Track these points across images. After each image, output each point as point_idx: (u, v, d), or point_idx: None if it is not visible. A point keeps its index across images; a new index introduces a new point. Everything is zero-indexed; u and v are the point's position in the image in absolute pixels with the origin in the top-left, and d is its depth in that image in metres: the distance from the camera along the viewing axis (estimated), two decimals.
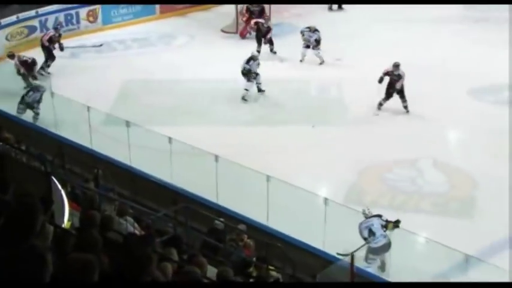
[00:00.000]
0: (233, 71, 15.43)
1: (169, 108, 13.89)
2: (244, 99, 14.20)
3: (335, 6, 20.19)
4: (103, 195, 8.67)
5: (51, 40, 15.76)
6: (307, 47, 16.13)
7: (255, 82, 14.33)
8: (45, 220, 4.27)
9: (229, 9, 19.07)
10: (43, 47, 15.66)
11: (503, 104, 13.58)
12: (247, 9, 18.14)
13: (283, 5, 19.55)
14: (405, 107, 13.38)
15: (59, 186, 6.47)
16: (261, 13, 17.93)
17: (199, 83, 15.15)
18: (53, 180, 6.17)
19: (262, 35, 16.79)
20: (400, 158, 11.64)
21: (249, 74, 14.27)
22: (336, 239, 8.89)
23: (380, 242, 8.80)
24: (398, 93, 13.38)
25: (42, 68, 15.36)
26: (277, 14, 18.89)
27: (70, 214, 6.20)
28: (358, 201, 10.26)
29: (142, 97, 14.55)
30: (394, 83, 13.33)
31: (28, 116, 12.82)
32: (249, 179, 9.95)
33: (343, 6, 20.06)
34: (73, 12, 18.17)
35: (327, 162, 11.54)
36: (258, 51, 16.03)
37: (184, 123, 13.06)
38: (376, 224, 8.85)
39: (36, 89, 13.04)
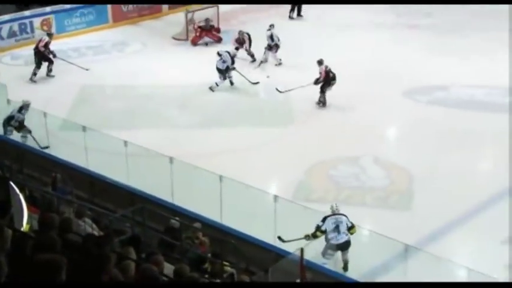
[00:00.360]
0: (184, 76, 15.59)
1: (124, 112, 13.73)
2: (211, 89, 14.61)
3: (295, 14, 20.05)
4: (61, 198, 8.48)
5: (46, 46, 15.44)
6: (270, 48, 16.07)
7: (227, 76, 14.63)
8: (3, 224, 4.12)
9: (179, 17, 19.01)
10: (38, 52, 15.32)
11: (435, 104, 13.87)
12: (199, 27, 18.07)
13: (231, 14, 19.55)
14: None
15: (17, 191, 6.31)
16: (211, 28, 18.08)
17: (153, 88, 15.01)
18: (11, 185, 5.98)
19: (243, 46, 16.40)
20: (344, 155, 11.73)
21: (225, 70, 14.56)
22: (286, 234, 8.88)
23: (342, 239, 8.72)
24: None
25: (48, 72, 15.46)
26: (225, 21, 18.95)
27: (29, 217, 6.05)
28: (306, 197, 10.33)
29: (98, 102, 14.35)
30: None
31: None
32: (203, 179, 9.87)
33: (302, 14, 19.97)
34: (27, 21, 17.81)
35: (276, 162, 11.58)
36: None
37: (139, 126, 12.92)
38: (344, 222, 8.74)
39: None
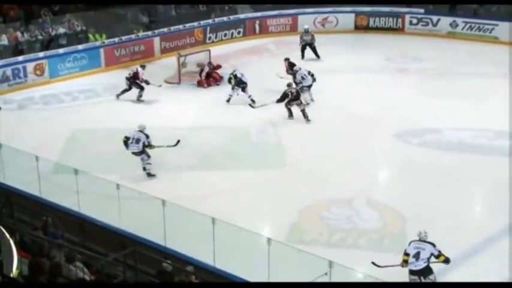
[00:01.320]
0: (175, 119, 15.52)
1: (116, 155, 13.53)
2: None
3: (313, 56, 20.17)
4: (52, 243, 8.30)
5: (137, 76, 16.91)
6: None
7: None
8: None
9: (172, 61, 19.11)
10: (137, 82, 16.81)
11: (426, 146, 13.90)
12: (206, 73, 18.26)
13: (222, 57, 19.69)
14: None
15: (7, 236, 6.16)
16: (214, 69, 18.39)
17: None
18: (1, 230, 5.86)
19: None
20: (336, 197, 11.66)
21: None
22: (279, 277, 8.75)
23: (419, 266, 8.86)
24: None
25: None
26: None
27: (19, 262, 5.90)
28: (300, 240, 10.22)
29: (90, 145, 14.26)
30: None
31: None
32: (195, 222, 9.75)
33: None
34: (20, 66, 17.87)
35: (269, 204, 11.52)
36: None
37: (131, 169, 12.81)
38: (427, 249, 8.85)
39: None
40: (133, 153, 12.83)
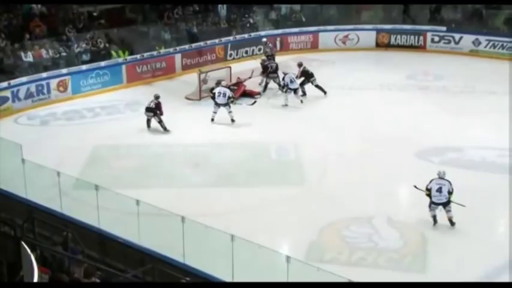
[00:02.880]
0: (196, 136, 15.65)
1: (137, 171, 13.70)
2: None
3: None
4: (72, 258, 8.33)
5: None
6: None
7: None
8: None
9: (192, 78, 19.22)
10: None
11: (448, 165, 13.52)
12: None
13: (243, 74, 19.80)
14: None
15: (29, 251, 6.21)
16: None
17: (165, 147, 15.05)
18: (23, 245, 5.90)
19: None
20: (356, 216, 11.56)
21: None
22: None
23: (441, 200, 11.01)
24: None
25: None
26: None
27: (39, 277, 5.93)
28: (319, 258, 10.16)
29: (111, 161, 14.35)
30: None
31: None
32: (214, 239, 9.71)
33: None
34: (44, 82, 18.04)
35: (288, 221, 11.45)
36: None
37: (151, 185, 12.88)
38: (447, 185, 11.03)
39: None
40: (220, 104, 16.24)
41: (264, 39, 21.58)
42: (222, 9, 23.27)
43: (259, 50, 22.86)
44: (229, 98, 16.41)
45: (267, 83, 18.97)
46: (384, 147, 14.42)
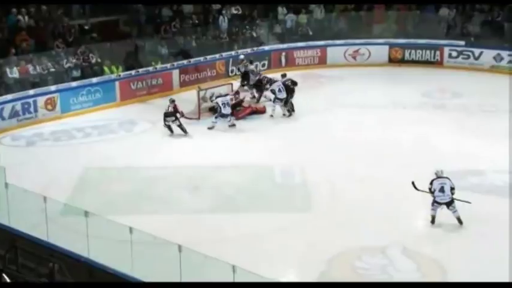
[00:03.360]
0: (195, 157, 15.62)
1: (130, 196, 13.64)
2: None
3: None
4: None
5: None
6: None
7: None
8: None
9: (191, 95, 19.31)
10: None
11: (468, 190, 13.25)
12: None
13: (244, 92, 19.85)
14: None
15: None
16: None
17: (161, 170, 15.00)
18: (4, 277, 5.79)
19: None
20: (369, 245, 11.44)
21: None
22: None
23: (446, 199, 11.78)
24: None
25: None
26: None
27: None
28: None
29: (103, 185, 14.31)
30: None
31: None
32: (214, 269, 9.56)
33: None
34: (31, 100, 18.08)
35: (294, 251, 11.35)
36: None
37: (146, 211, 12.81)
38: (448, 183, 11.78)
39: None
40: (227, 114, 17.43)
41: (241, 57, 21.18)
42: (223, 22, 23.45)
43: (263, 65, 23.19)
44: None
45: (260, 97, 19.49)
46: (397, 170, 14.28)
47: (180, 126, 17.05)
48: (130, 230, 10.31)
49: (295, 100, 18.73)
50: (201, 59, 21.82)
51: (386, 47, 23.83)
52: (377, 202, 13.08)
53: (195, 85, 20.15)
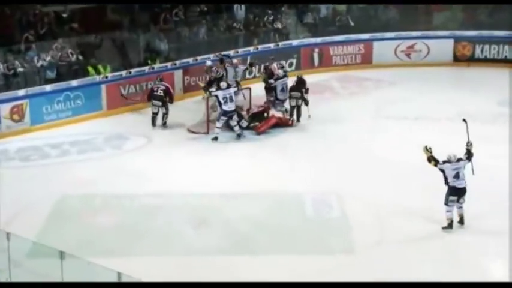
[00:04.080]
0: (202, 183, 15.66)
1: (119, 232, 13.65)
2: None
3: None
4: None
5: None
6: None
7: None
8: None
9: (197, 103, 19.76)
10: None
11: None
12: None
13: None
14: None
15: None
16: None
17: (159, 198, 15.01)
18: None
19: None
20: None
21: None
22: None
23: (462, 184, 13.13)
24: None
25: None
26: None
27: None
28: None
29: (83, 217, 14.27)
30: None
31: None
32: None
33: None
34: None
35: None
36: None
37: (139, 252, 12.81)
38: (462, 165, 13.16)
39: None
40: (229, 112, 17.97)
41: (209, 63, 20.96)
42: (239, 9, 23.71)
43: (290, 65, 23.45)
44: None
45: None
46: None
47: (166, 115, 17.96)
48: (119, 275, 10.30)
49: (321, 109, 18.89)
50: (211, 56, 21.92)
51: (451, 42, 23.96)
52: (437, 246, 13.05)
53: (202, 91, 20.17)
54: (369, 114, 19.62)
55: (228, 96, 17.94)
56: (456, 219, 13.22)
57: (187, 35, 22.65)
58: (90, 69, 20.18)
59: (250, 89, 19.71)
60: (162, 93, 18.64)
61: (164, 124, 19.02)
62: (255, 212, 14.44)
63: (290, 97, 19.33)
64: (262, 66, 21.01)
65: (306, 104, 19.23)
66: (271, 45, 23.39)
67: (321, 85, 22.12)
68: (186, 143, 18.12)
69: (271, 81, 19.49)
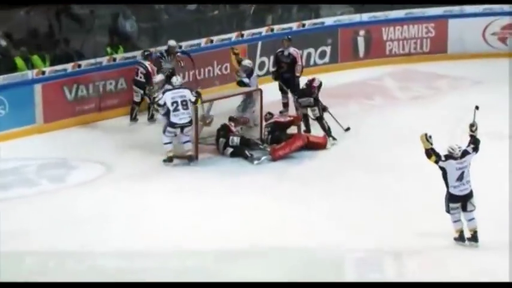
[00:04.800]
0: (187, 237, 15.61)
1: None
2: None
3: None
4: None
5: None
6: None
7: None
8: None
9: None
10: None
11: None
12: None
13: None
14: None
15: None
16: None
17: (121, 260, 15.09)
18: None
19: None
20: None
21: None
22: None
23: (464, 191, 14.03)
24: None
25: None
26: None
27: None
28: None
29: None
30: None
31: None
32: None
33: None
34: None
35: None
36: None
37: None
38: (468, 160, 14.09)
39: None
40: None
41: (172, 43, 21.54)
42: None
43: (322, 55, 24.03)
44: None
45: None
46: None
47: (152, 106, 19.36)
48: None
49: (368, 122, 19.48)
50: (202, 42, 22.25)
51: None
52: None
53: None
54: (443, 129, 19.52)
55: (179, 100, 18.27)
56: (466, 234, 14.26)
57: (172, 11, 23.04)
58: (18, 61, 20.39)
59: (260, 90, 19.90)
60: (142, 78, 19.66)
61: (151, 118, 20.24)
62: (273, 277, 14.36)
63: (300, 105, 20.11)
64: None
65: (320, 114, 19.91)
66: (294, 26, 23.68)
67: (369, 85, 22.64)
68: (164, 174, 18.27)
69: (297, 74, 20.40)
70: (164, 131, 18.38)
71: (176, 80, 18.85)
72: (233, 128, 19.20)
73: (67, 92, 20.68)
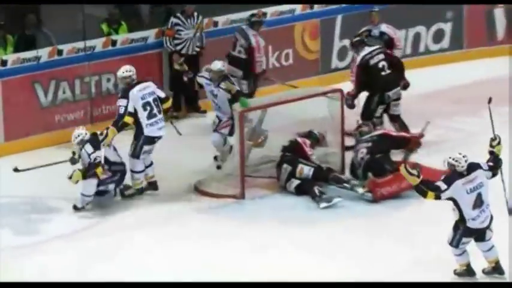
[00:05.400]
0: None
1: None
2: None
3: None
4: None
5: None
6: None
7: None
8: None
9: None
10: None
11: None
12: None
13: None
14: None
15: None
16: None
17: None
18: None
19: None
20: None
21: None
22: None
23: (487, 219, 14.34)
24: None
25: None
26: None
27: None
28: None
29: None
30: None
31: None
32: None
33: None
34: None
35: None
36: None
37: None
38: (482, 179, 14.24)
39: None
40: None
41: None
42: None
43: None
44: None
45: None
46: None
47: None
48: None
49: None
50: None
51: None
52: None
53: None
54: None
55: (150, 98, 18.47)
56: (486, 265, 14.90)
57: None
58: None
59: (341, 91, 19.88)
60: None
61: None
62: None
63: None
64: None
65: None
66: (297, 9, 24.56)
67: None
68: (185, 220, 18.03)
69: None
70: (137, 154, 18.42)
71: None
72: (307, 149, 19.03)
73: (40, 93, 20.51)
